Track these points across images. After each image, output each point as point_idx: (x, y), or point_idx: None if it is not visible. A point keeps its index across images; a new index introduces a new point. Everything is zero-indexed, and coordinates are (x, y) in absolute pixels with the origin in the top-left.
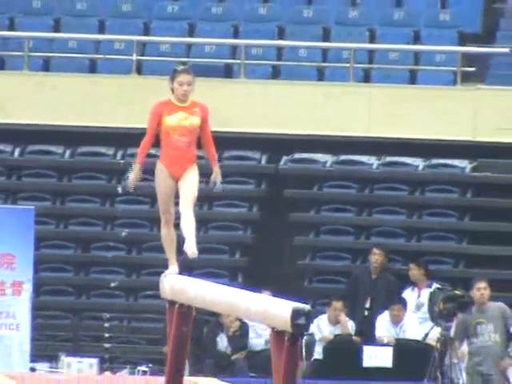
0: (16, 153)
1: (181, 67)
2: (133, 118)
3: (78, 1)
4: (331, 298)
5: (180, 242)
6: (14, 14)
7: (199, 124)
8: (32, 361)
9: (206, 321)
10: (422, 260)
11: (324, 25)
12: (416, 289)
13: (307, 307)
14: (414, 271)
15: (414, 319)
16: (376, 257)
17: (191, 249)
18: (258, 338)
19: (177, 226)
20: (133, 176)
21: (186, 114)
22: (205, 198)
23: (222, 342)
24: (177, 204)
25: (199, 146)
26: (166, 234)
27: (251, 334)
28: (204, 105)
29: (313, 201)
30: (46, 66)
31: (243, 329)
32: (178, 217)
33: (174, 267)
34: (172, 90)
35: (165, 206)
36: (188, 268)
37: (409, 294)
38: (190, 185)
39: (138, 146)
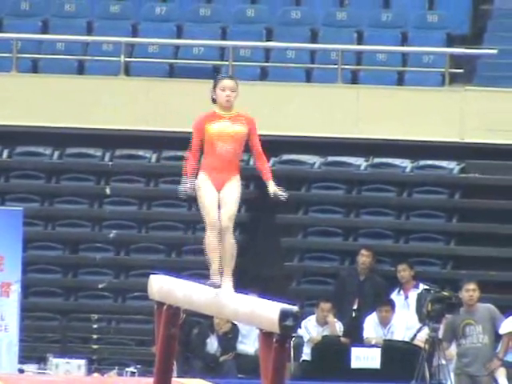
0: (4, 154)
1: (223, 75)
2: (121, 120)
3: (66, 2)
4: (319, 299)
5: None
6: (2, 16)
7: (244, 133)
8: (20, 362)
9: (197, 322)
10: (409, 261)
11: (312, 26)
12: (402, 291)
13: (295, 308)
14: (405, 272)
15: (401, 320)
16: (364, 258)
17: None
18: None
19: None
20: (186, 188)
21: (230, 123)
22: (193, 200)
23: (212, 343)
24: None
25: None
26: (212, 242)
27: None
28: (250, 117)
29: (301, 202)
30: (35, 68)
31: (234, 330)
32: None
33: (227, 284)
34: (213, 100)
35: (209, 216)
36: (176, 269)
37: (395, 297)
38: (230, 200)
39: (126, 147)
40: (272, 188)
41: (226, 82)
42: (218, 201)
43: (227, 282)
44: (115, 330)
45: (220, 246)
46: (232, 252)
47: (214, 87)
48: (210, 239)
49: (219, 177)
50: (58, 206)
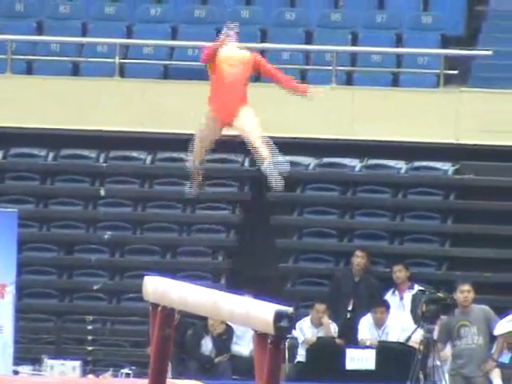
0: None
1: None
2: (116, 121)
3: (60, 4)
4: (314, 300)
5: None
6: None
7: (251, 59)
8: (15, 363)
9: (192, 324)
10: (405, 262)
11: (306, 27)
12: (397, 292)
13: (290, 310)
14: (401, 273)
15: (396, 321)
16: (359, 259)
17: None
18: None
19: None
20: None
21: (237, 49)
22: (187, 201)
23: (207, 344)
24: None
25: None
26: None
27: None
28: (256, 56)
29: (295, 203)
30: (29, 69)
31: (228, 332)
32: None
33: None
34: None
35: (199, 146)
36: (171, 270)
37: (390, 298)
38: (250, 124)
39: (121, 148)
40: (304, 90)
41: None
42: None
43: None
44: (110, 332)
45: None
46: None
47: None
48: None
49: (227, 106)
50: (52, 207)
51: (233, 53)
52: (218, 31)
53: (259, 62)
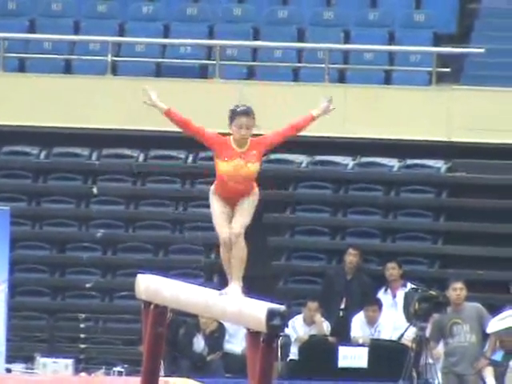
0: None
1: (240, 108)
2: (108, 119)
3: (53, 2)
4: (306, 298)
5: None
6: None
7: (257, 170)
8: (7, 361)
9: (183, 322)
10: (398, 260)
11: (299, 25)
12: (389, 290)
13: (282, 308)
14: (394, 271)
15: (389, 320)
16: (351, 257)
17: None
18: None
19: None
20: (153, 98)
21: (243, 162)
22: (180, 199)
23: (199, 342)
24: None
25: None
26: (224, 257)
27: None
28: (259, 139)
29: (288, 201)
30: (22, 67)
31: (220, 330)
32: None
33: (233, 286)
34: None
35: (220, 234)
36: (163, 268)
37: (382, 296)
38: (244, 210)
39: (113, 146)
40: (323, 109)
41: (243, 120)
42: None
43: (235, 285)
44: (102, 330)
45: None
46: (242, 256)
47: (231, 121)
48: (223, 254)
49: (233, 201)
50: (45, 205)
51: (238, 172)
52: (211, 29)
53: (270, 143)
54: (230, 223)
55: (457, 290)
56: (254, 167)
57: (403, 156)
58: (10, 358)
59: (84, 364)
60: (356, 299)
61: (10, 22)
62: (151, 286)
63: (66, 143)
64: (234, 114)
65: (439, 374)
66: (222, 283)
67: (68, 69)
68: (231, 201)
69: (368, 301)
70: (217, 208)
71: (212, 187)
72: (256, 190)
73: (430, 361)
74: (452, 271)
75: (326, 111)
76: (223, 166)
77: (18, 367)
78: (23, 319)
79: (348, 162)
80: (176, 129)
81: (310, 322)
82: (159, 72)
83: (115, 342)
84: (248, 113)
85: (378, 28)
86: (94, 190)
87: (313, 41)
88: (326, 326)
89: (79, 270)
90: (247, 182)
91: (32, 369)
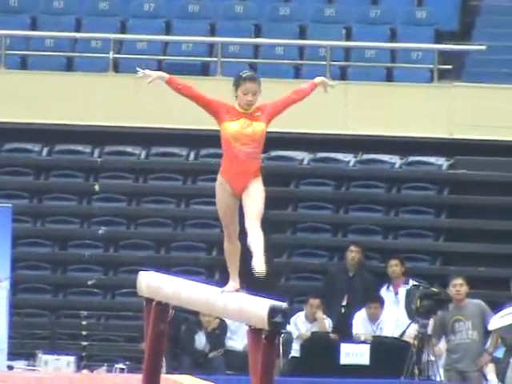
0: None
1: (246, 73)
2: (110, 116)
3: None
4: (308, 295)
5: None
6: None
7: (264, 129)
8: (9, 359)
9: (185, 318)
10: (400, 257)
11: (300, 22)
12: (391, 287)
13: (284, 305)
14: (397, 268)
15: (391, 316)
16: (353, 254)
17: (259, 266)
18: None
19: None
20: (150, 73)
21: (249, 121)
22: (181, 196)
23: (200, 339)
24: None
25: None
26: (228, 248)
27: None
28: (263, 104)
29: (290, 198)
30: (23, 64)
31: (222, 326)
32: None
33: (233, 283)
34: (236, 96)
35: (226, 221)
36: (165, 265)
37: (384, 293)
38: (254, 198)
39: (115, 143)
40: (322, 82)
41: (249, 86)
42: (240, 204)
43: (263, 267)
44: (104, 327)
45: (237, 254)
46: (262, 241)
47: (236, 87)
48: (227, 249)
49: (239, 182)
50: (46, 202)
51: (244, 131)
52: (212, 26)
53: (274, 104)
54: (236, 216)
55: (456, 286)
56: (260, 126)
57: (405, 153)
58: (12, 355)
59: (86, 361)
60: (358, 296)
61: (12, 19)
62: (153, 283)
63: (67, 140)
64: (239, 80)
65: (441, 371)
66: (225, 280)
67: (70, 66)
68: (239, 181)
69: (370, 298)
70: (222, 200)
71: (218, 176)
72: (261, 178)
73: (432, 358)
74: (454, 268)
75: (325, 84)
76: (229, 126)
77: (19, 364)
78: (25, 316)
79: (350, 159)
80: (178, 126)
81: (311, 318)
82: (161, 69)
83: (117, 339)
84: (254, 78)
85: (379, 25)
86: (96, 187)
87: (314, 38)
88: (328, 323)
89: (81, 267)
90: (255, 144)
91: (34, 366)
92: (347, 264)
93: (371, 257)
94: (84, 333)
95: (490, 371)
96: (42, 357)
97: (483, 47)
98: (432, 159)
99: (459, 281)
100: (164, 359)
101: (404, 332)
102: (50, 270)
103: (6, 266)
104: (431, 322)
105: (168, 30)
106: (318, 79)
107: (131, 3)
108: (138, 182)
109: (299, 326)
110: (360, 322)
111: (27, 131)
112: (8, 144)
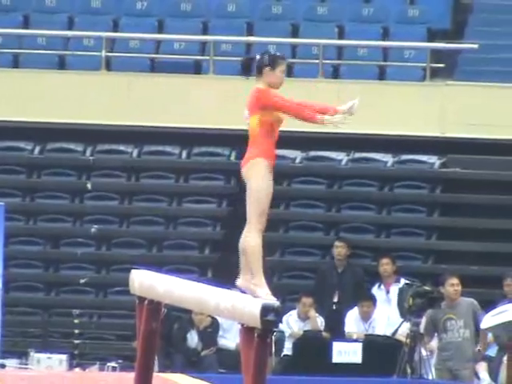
0: None
1: (281, 54)
2: (102, 114)
3: None
4: (300, 293)
5: None
6: None
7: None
8: (1, 357)
9: (177, 317)
10: (392, 255)
11: (293, 21)
12: (383, 285)
13: (276, 303)
14: (388, 266)
15: (383, 315)
16: (339, 249)
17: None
18: None
19: None
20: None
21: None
22: (174, 194)
23: (193, 338)
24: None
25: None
26: (259, 245)
27: None
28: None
29: (282, 197)
30: (15, 63)
31: (214, 325)
32: None
33: (267, 290)
34: (261, 73)
35: (266, 208)
36: (157, 264)
37: (376, 291)
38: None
39: (107, 141)
40: (345, 110)
41: (284, 66)
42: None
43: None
44: (97, 325)
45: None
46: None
47: (273, 67)
48: (259, 245)
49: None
50: (39, 201)
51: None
52: (204, 25)
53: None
54: None
55: (454, 285)
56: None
57: (397, 151)
58: (4, 354)
59: (78, 359)
60: (349, 291)
61: (4, 18)
62: (145, 281)
63: (60, 139)
64: (277, 59)
65: (433, 369)
66: (217, 278)
67: (62, 64)
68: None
69: (361, 293)
70: (270, 185)
71: (261, 163)
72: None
73: (424, 356)
74: (446, 267)
75: (350, 110)
76: (275, 117)
77: (12, 363)
78: (17, 315)
79: (342, 157)
80: (170, 124)
81: (304, 317)
82: (153, 67)
83: (109, 338)
84: (286, 59)
85: (372, 23)
86: (89, 186)
87: (307, 36)
88: (321, 322)
89: (73, 266)
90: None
91: (26, 364)
92: (335, 260)
93: (363, 255)
94: (76, 331)
95: (482, 370)
96: (35, 355)
97: (475, 46)
98: (424, 157)
99: (456, 280)
100: (156, 357)
101: (396, 330)
102: (42, 269)
103: None
104: (423, 320)
105: (160, 29)
106: (340, 107)
107: (123, 1)
108: (131, 180)
109: (291, 324)
110: (352, 321)
111: (19, 129)
112: (0, 142)
